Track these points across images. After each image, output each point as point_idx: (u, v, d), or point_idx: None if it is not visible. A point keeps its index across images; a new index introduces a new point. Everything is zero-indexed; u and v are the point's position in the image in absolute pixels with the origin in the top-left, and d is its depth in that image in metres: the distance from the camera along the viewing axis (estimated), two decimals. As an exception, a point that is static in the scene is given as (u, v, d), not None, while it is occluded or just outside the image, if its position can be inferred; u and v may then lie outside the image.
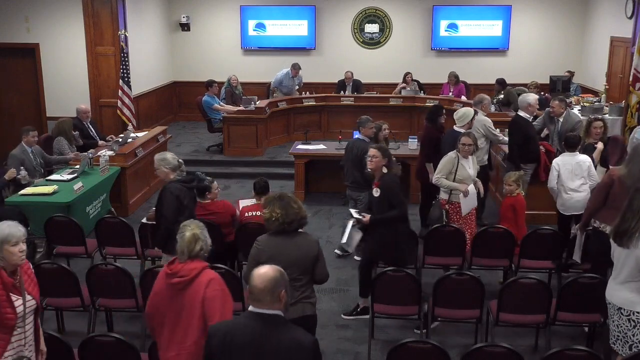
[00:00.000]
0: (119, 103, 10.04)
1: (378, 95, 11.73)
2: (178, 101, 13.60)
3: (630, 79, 8.22)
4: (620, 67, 10.73)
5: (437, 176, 5.95)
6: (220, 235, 5.40)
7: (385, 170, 5.13)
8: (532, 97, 7.02)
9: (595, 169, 6.13)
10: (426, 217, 7.00)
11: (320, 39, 13.24)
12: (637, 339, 3.82)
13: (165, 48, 13.15)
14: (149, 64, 12.01)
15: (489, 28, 13.03)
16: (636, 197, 3.80)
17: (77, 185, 6.74)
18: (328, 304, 5.65)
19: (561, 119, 7.16)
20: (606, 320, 4.57)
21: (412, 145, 8.53)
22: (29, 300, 3.41)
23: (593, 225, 5.15)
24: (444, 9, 12.96)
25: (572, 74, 11.93)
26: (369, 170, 5.25)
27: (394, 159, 5.34)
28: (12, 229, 3.34)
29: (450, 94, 11.41)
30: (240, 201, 6.03)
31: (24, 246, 3.36)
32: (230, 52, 13.36)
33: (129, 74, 10.03)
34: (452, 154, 5.94)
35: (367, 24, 13.23)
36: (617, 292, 3.92)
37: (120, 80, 9.99)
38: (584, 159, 6.01)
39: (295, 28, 13.23)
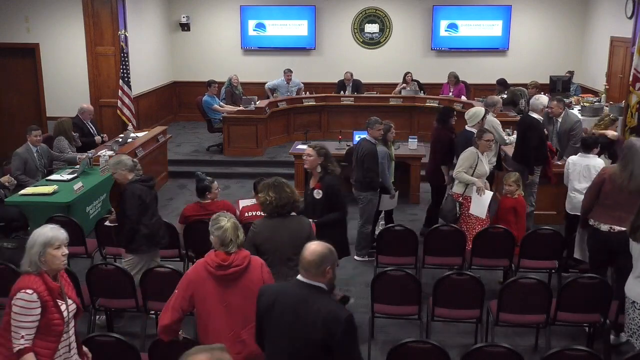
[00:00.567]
0: (119, 103, 10.04)
1: (378, 95, 11.73)
2: (178, 101, 13.60)
3: (630, 79, 8.20)
4: (620, 67, 10.73)
5: (458, 170, 6.03)
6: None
7: (319, 169, 5.12)
8: (545, 99, 7.03)
9: None
10: (433, 217, 7.01)
11: (320, 39, 13.24)
12: None
13: (165, 48, 13.15)
14: (149, 64, 12.01)
15: (489, 28, 13.03)
16: None
17: (77, 185, 6.74)
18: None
19: (560, 119, 7.15)
20: (606, 320, 4.59)
21: (412, 145, 8.52)
22: (70, 305, 3.37)
23: (589, 224, 5.14)
24: (444, 9, 12.96)
25: (572, 73, 11.93)
26: (306, 168, 5.24)
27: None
28: (56, 231, 3.30)
29: (450, 94, 11.41)
30: (240, 201, 6.03)
31: (66, 250, 3.33)
32: (230, 52, 13.36)
33: (129, 74, 10.03)
34: (472, 149, 6.04)
35: (367, 24, 13.23)
36: (633, 287, 4.03)
37: (120, 80, 9.99)
38: (595, 164, 5.88)
39: (295, 28, 13.22)
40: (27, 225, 6.55)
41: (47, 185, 6.82)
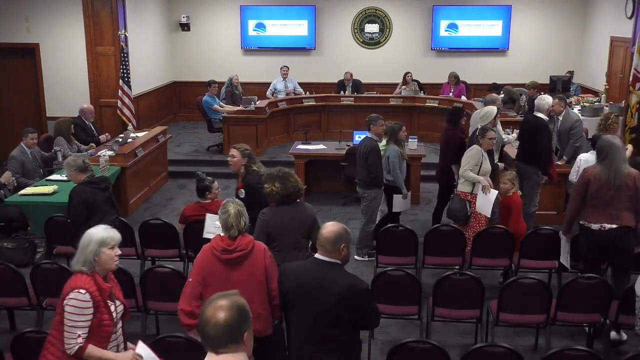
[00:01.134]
0: (119, 103, 10.03)
1: (378, 95, 11.73)
2: (178, 101, 13.60)
3: (630, 79, 8.19)
4: (620, 67, 10.73)
5: (465, 168, 6.03)
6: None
7: (242, 170, 5.15)
8: (550, 99, 6.96)
9: None
10: (440, 217, 7.02)
11: (320, 39, 13.24)
12: None
13: (165, 48, 13.15)
14: (149, 64, 12.01)
15: (489, 28, 13.03)
16: None
17: (77, 185, 6.73)
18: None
19: (560, 118, 7.16)
20: (606, 320, 4.59)
21: (412, 145, 8.51)
22: (118, 306, 3.37)
23: (580, 224, 5.13)
24: (444, 9, 12.96)
25: (572, 73, 11.93)
26: (231, 168, 5.27)
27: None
28: (110, 232, 3.32)
29: (451, 94, 11.41)
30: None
31: (119, 251, 3.34)
32: (230, 52, 13.36)
33: (129, 74, 10.02)
34: (477, 148, 6.06)
35: (367, 24, 13.23)
36: None
37: (120, 80, 9.99)
38: None
39: (295, 28, 13.22)
40: (27, 225, 6.55)
41: (47, 185, 6.82)
